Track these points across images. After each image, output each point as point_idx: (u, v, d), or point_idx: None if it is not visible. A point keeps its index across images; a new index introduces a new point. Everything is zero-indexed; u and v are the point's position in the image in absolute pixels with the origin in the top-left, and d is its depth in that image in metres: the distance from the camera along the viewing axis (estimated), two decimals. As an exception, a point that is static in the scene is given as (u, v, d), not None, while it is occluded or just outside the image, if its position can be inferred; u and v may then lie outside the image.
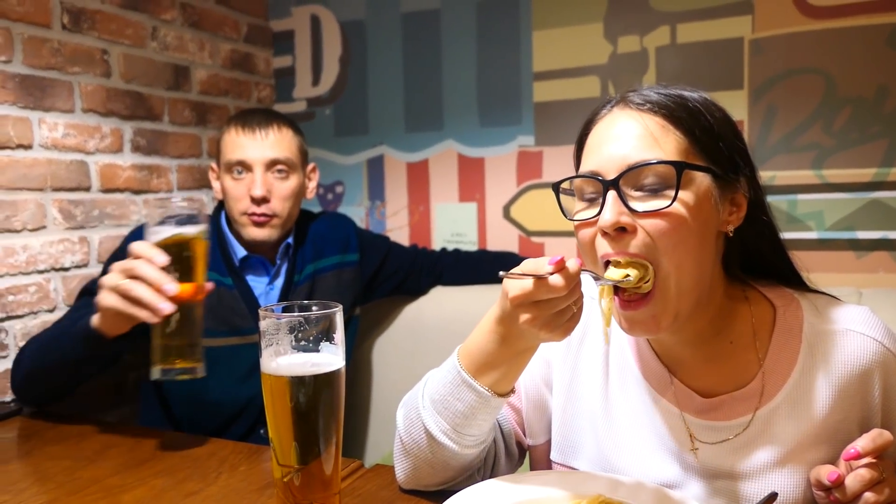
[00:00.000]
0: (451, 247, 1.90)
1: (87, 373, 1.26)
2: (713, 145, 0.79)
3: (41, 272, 1.55)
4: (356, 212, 2.18)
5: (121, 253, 1.44)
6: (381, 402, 1.80)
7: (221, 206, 1.59)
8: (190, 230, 1.09)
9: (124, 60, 1.77)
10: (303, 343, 0.79)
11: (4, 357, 1.47)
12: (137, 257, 1.04)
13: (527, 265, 0.74)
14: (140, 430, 1.25)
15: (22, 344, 1.49)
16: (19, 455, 1.15)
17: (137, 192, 1.80)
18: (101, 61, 1.71)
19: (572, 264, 0.71)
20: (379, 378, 1.81)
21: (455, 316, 1.67)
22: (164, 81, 1.89)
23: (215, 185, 1.58)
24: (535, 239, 1.95)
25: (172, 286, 1.03)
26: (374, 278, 1.69)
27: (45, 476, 1.04)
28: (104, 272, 1.42)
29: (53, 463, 1.08)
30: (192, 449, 1.14)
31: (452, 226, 2.04)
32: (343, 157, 2.20)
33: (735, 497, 0.83)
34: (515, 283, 0.73)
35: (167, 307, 1.02)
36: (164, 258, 1.04)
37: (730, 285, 0.87)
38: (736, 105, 1.68)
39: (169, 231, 1.08)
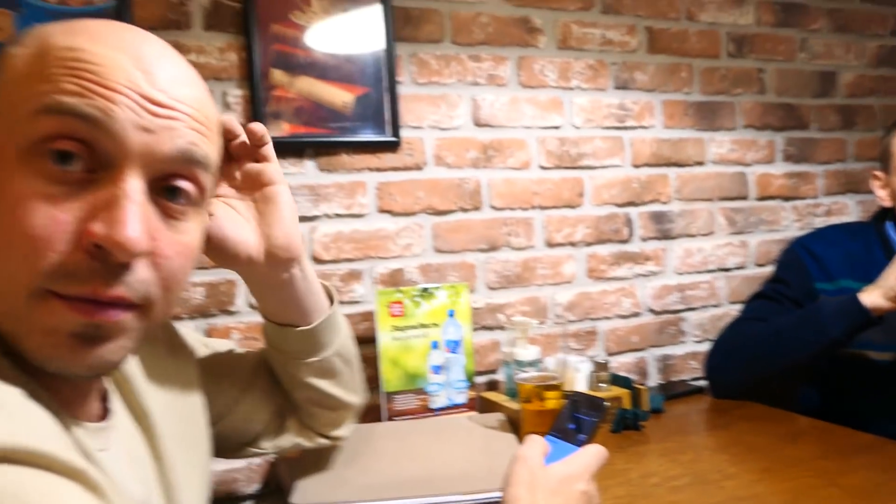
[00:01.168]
0: None
1: (819, 358, 1.35)
2: None
3: (710, 271, 1.78)
4: None
5: (787, 259, 1.53)
6: None
7: (884, 215, 1.53)
8: None
9: (777, 75, 1.88)
10: None
11: (683, 343, 1.75)
12: None
13: None
14: (817, 423, 1.30)
15: (699, 333, 1.74)
16: (719, 426, 1.35)
17: (787, 198, 1.89)
18: (756, 80, 1.86)
19: None
20: None
21: None
22: (811, 90, 1.94)
23: (880, 192, 1.52)
24: None
25: None
26: None
27: (752, 447, 1.19)
28: (777, 278, 1.53)
29: (754, 437, 1.23)
30: (876, 446, 1.14)
31: None
32: None
33: None
34: None
35: None
36: None
37: None
38: None
39: None
